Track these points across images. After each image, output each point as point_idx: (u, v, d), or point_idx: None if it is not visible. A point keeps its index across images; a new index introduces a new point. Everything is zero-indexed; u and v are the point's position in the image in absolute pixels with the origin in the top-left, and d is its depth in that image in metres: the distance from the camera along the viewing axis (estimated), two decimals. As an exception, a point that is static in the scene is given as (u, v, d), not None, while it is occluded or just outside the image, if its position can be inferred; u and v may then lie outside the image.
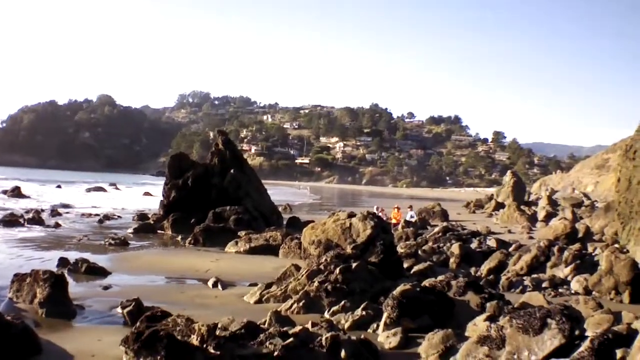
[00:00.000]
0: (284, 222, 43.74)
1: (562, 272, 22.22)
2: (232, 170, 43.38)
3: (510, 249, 26.41)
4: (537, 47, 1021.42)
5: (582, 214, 46.84)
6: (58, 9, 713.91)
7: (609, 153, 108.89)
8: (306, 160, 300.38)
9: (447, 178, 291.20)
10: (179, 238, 34.91)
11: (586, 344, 9.55)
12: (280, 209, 63.34)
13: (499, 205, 70.89)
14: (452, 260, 25.85)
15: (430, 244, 29.06)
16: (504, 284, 20.40)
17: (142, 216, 45.66)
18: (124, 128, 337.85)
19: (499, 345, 10.21)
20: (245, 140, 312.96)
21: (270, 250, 29.34)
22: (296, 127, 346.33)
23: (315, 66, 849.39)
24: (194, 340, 10.69)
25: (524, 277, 21.55)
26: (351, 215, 22.34)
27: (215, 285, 20.31)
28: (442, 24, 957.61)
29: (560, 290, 20.21)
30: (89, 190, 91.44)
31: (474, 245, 28.90)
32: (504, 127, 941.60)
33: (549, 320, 10.07)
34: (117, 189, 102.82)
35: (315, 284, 16.31)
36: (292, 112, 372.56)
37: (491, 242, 29.23)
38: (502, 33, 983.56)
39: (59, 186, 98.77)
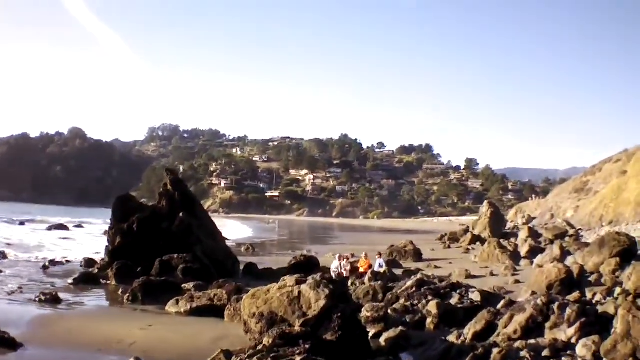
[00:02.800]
0: (241, 269, 39.89)
1: (565, 333, 18.07)
2: (181, 214, 39.17)
3: (499, 306, 21.85)
4: (505, 73, 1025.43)
5: (568, 246, 42.89)
6: (28, 43, 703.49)
7: (588, 175, 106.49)
8: (276, 194, 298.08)
9: (419, 208, 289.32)
10: (120, 292, 30.99)
11: None
12: (242, 249, 59.92)
13: (475, 238, 67.93)
14: (429, 320, 21.74)
15: (402, 301, 24.44)
16: (495, 358, 16.06)
17: (89, 263, 41.86)
18: (95, 161, 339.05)
19: None
20: (215, 174, 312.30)
21: (214, 311, 25.18)
22: (265, 159, 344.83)
23: (283, 98, 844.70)
24: None
25: (520, 346, 17.38)
26: (300, 281, 18.22)
27: None
28: (409, 53, 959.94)
29: (564, 359, 16.18)
30: (50, 228, 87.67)
31: (454, 300, 24.15)
32: (477, 154, 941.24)
33: None
34: (81, 226, 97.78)
35: (245, 385, 12.20)
36: (261, 144, 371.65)
37: (475, 296, 24.64)
38: (469, 60, 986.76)
39: (22, 223, 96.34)
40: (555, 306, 18.94)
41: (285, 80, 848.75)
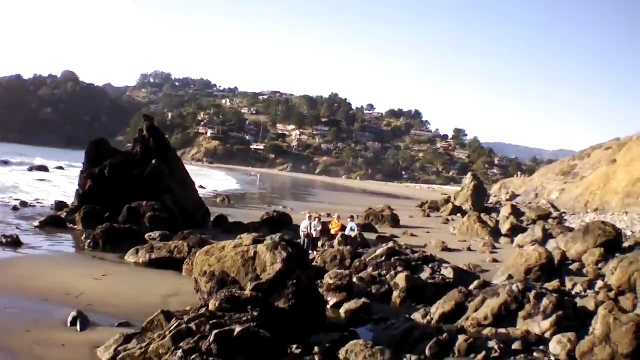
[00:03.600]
0: (211, 221, 39.04)
1: (539, 326, 16.88)
2: (153, 161, 37.90)
3: (472, 287, 20.61)
4: (501, 47, 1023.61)
5: (551, 229, 41.85)
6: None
7: (576, 159, 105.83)
8: (261, 147, 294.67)
9: (403, 173, 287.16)
10: (83, 237, 29.57)
11: None
12: (218, 200, 58.81)
13: (456, 209, 67.42)
14: (395, 293, 20.69)
15: (370, 270, 23.41)
16: (461, 346, 14.89)
17: (59, 205, 40.76)
18: (85, 105, 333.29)
19: None
20: (202, 123, 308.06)
21: (173, 264, 24.20)
22: (254, 112, 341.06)
23: (276, 53, 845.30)
24: None
25: (489, 334, 16.26)
26: (257, 240, 16.86)
27: (73, 322, 15.40)
28: (405, 16, 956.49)
29: (535, 354, 15.02)
30: (30, 169, 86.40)
31: (425, 274, 23.11)
32: (465, 125, 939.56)
33: None
34: (61, 168, 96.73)
35: (179, 354, 11.07)
36: (250, 97, 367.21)
37: (447, 272, 23.39)
38: (468, 29, 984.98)
39: (5, 162, 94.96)
40: (531, 294, 17.78)
41: (279, 35, 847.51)
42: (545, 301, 17.32)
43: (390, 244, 26.59)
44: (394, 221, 49.21)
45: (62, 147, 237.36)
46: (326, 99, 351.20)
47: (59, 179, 75.04)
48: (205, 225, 37.42)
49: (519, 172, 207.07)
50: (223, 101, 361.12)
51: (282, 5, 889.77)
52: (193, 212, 37.68)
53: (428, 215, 66.60)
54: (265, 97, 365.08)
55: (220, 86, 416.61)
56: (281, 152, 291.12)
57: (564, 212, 66.22)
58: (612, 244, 31.89)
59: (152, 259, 24.65)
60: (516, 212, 58.59)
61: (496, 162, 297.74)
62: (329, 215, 47.76)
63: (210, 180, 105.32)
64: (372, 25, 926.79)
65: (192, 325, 12.30)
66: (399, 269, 22.87)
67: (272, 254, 15.90)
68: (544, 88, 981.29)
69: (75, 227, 33.89)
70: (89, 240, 28.21)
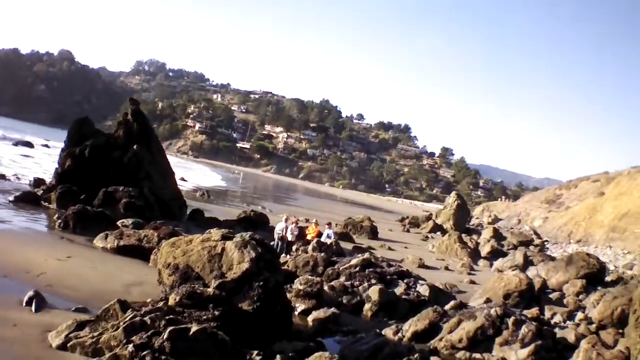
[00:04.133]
0: (187, 214, 38.14)
1: (516, 354, 16.28)
2: (135, 146, 37.08)
3: (448, 307, 19.94)
4: (497, 70, 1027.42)
5: (532, 256, 41.48)
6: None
7: (562, 189, 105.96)
8: (247, 146, 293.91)
9: (387, 186, 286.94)
10: (55, 217, 28.94)
11: None
12: (197, 194, 58.04)
13: (437, 227, 66.69)
14: (367, 306, 20.03)
15: (342, 279, 22.72)
16: (433, 369, 14.22)
17: (37, 182, 39.97)
18: (78, 86, 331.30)
19: None
20: (192, 116, 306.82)
21: (140, 253, 23.51)
22: (244, 110, 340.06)
23: (272, 53, 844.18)
24: None
25: (463, 358, 15.65)
26: (226, 237, 16.08)
27: (29, 302, 14.69)
28: (402, 30, 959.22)
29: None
30: (16, 144, 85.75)
31: (399, 289, 22.35)
32: (453, 144, 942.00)
33: None
34: (47, 146, 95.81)
35: (129, 348, 10.31)
36: (242, 95, 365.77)
37: (423, 290, 22.61)
38: (461, 50, 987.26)
39: None
40: (510, 321, 17.23)
41: (277, 35, 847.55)
42: (524, 329, 16.78)
43: (366, 255, 25.72)
44: (373, 233, 48.60)
45: (52, 125, 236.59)
46: (317, 104, 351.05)
47: (43, 156, 74.09)
48: (180, 218, 36.57)
49: (503, 197, 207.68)
50: (214, 96, 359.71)
51: (283, 6, 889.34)
52: (170, 203, 36.80)
53: (408, 231, 65.94)
54: (257, 96, 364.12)
55: (213, 81, 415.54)
56: (267, 153, 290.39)
57: (547, 241, 66.03)
58: (595, 276, 31.50)
59: (121, 245, 23.88)
60: (498, 236, 58.42)
61: (481, 184, 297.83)
62: (307, 220, 47.40)
63: (195, 173, 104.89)
64: (369, 35, 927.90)
65: (147, 318, 11.58)
66: (373, 281, 22.15)
67: (241, 253, 15.10)
68: (534, 115, 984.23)
69: (50, 206, 33.09)
70: (59, 221, 27.39)
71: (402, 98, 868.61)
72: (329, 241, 31.88)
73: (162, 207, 35.12)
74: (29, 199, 33.06)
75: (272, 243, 26.03)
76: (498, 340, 16.76)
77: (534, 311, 21.94)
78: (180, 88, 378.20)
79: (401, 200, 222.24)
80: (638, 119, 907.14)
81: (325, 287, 20.72)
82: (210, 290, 13.73)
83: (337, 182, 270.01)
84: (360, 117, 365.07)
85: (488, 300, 22.61)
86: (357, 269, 23.37)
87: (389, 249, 41.73)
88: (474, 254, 44.04)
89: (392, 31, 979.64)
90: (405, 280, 23.44)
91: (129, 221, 29.58)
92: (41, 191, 35.61)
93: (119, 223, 29.09)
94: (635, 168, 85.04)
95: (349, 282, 22.04)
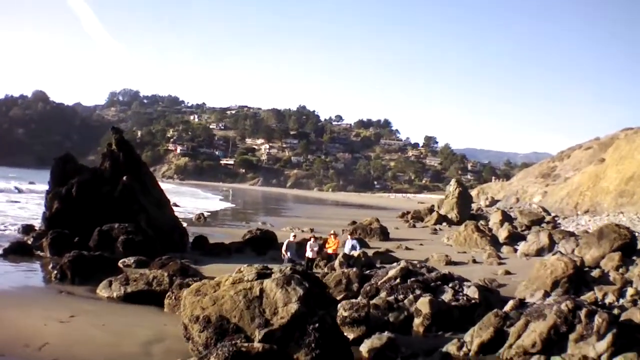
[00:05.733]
0: (190, 242, 35.91)
1: (595, 348, 14.42)
2: (124, 177, 34.64)
3: (507, 308, 17.57)
4: (465, 53, 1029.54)
5: (552, 235, 39.58)
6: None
7: (556, 161, 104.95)
8: (231, 162, 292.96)
9: (375, 183, 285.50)
10: (50, 267, 26.20)
11: None
12: (193, 218, 55.93)
13: (442, 219, 65.45)
14: (417, 321, 17.72)
15: (383, 294, 20.01)
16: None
17: (26, 230, 37.36)
18: (56, 125, 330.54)
19: None
20: (172, 140, 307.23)
21: (153, 298, 20.75)
22: (222, 127, 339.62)
23: (243, 68, 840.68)
24: None
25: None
26: (262, 274, 13.50)
27: None
28: (370, 25, 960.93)
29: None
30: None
31: (447, 296, 19.85)
32: (436, 132, 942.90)
33: None
34: (32, 191, 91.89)
35: None
36: (218, 112, 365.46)
37: (471, 292, 20.01)
38: (431, 36, 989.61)
39: None
40: (582, 313, 15.14)
41: (245, 49, 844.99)
42: (597, 319, 14.93)
43: (403, 263, 22.80)
44: (384, 234, 46.49)
45: (34, 167, 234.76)
46: (294, 111, 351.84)
47: (29, 200, 71.56)
48: (183, 248, 34.34)
49: (493, 177, 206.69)
50: (191, 117, 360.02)
51: (247, 20, 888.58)
52: (170, 233, 34.48)
53: (414, 226, 64.06)
54: (234, 112, 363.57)
55: (188, 102, 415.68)
56: (251, 166, 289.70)
57: (557, 216, 64.39)
58: (629, 247, 30.14)
59: (128, 292, 21.23)
60: (507, 218, 56.40)
61: (469, 167, 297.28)
62: (312, 230, 45.78)
63: (193, 198, 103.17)
64: (336, 37, 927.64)
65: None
66: (418, 292, 19.54)
67: (284, 292, 12.71)
68: (512, 92, 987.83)
69: (42, 254, 30.46)
70: (55, 272, 24.81)
71: (378, 94, 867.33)
72: (355, 253, 29.46)
73: (162, 240, 32.79)
74: (19, 250, 30.50)
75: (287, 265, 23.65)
76: (572, 336, 14.94)
77: (591, 296, 20.64)
78: (157, 114, 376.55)
79: (393, 195, 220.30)
80: (618, 80, 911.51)
81: (370, 311, 18.16)
82: (257, 345, 11.27)
83: (325, 186, 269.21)
84: (339, 118, 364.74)
85: (546, 294, 20.87)
86: (398, 280, 20.69)
87: (406, 248, 39.78)
88: (494, 242, 42.18)
89: (360, 28, 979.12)
90: (450, 285, 20.77)
91: (130, 260, 27.76)
92: (32, 239, 33.06)
93: (120, 264, 27.05)
94: (629, 130, 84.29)
95: (392, 297, 19.44)
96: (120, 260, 27.59)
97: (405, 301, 18.93)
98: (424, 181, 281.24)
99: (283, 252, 29.30)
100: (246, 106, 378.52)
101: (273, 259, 30.81)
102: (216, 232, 45.02)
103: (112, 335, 16.55)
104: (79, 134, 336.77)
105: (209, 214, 66.89)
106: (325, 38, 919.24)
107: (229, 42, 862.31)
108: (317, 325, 12.14)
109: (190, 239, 36.39)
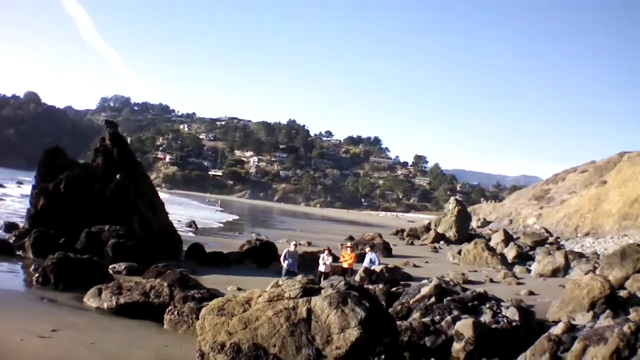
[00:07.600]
0: (184, 250, 33.30)
1: (659, 373, 12.54)
2: (118, 176, 32.14)
3: (557, 332, 15.36)
4: (457, 75, 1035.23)
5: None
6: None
7: (550, 184, 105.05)
8: (219, 173, 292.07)
9: (363, 200, 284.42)
10: (32, 269, 23.69)
11: None
12: (184, 225, 53.72)
13: (440, 237, 64.48)
14: (458, 346, 15.31)
15: (417, 315, 17.45)
16: None
17: (9, 227, 34.72)
18: (47, 127, 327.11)
19: None
20: (161, 148, 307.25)
21: (150, 311, 17.85)
22: (212, 138, 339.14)
23: (235, 79, 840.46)
24: None
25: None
26: (309, 290, 10.75)
27: None
28: (362, 43, 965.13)
29: None
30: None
31: (486, 318, 17.23)
32: (426, 152, 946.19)
33: None
34: (20, 184, 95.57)
35: None
36: (208, 123, 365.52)
37: (510, 313, 17.56)
38: (424, 56, 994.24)
39: None
40: (644, 334, 13.49)
41: (237, 61, 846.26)
42: None
43: (436, 280, 20.21)
44: (387, 250, 44.78)
45: (24, 169, 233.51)
46: (284, 125, 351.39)
47: (14, 196, 70.54)
48: (177, 256, 31.96)
49: (482, 199, 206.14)
50: (181, 126, 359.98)
51: (240, 34, 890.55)
52: (164, 239, 31.97)
53: (412, 244, 62.69)
54: (223, 123, 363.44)
55: (178, 111, 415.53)
56: (239, 178, 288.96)
57: (558, 238, 63.59)
58: None
59: (121, 304, 18.33)
60: (509, 238, 54.97)
61: (458, 188, 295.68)
62: (309, 244, 45.01)
63: (192, 209, 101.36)
64: (328, 53, 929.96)
65: None
66: (455, 312, 17.09)
67: (341, 314, 10.17)
68: (503, 115, 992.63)
69: (24, 255, 28.07)
70: (37, 275, 22.11)
71: (368, 111, 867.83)
72: (377, 268, 27.10)
73: (156, 245, 30.34)
74: (0, 250, 27.84)
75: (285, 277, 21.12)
76: (635, 360, 13.14)
77: (635, 316, 18.37)
78: (147, 121, 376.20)
79: (382, 213, 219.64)
80: (615, 103, 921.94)
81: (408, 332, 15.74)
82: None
83: (312, 202, 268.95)
84: (329, 134, 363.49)
85: (596, 316, 19.64)
86: (433, 299, 18.06)
87: (414, 265, 37.98)
88: (504, 261, 41.12)
89: (352, 46, 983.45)
90: (487, 305, 18.29)
91: (121, 266, 25.58)
92: (14, 237, 30.59)
93: (110, 269, 24.53)
94: (627, 153, 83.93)
95: (428, 318, 16.92)
96: (111, 266, 25.15)
97: (443, 323, 16.48)
98: (411, 200, 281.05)
99: (281, 261, 26.88)
100: (236, 118, 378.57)
101: (277, 272, 28.53)
102: (209, 240, 43.02)
103: (103, 357, 13.49)
104: (69, 137, 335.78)
105: (202, 223, 64.72)
106: (317, 54, 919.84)
107: (221, 54, 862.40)
108: (383, 357, 9.58)
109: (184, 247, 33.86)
